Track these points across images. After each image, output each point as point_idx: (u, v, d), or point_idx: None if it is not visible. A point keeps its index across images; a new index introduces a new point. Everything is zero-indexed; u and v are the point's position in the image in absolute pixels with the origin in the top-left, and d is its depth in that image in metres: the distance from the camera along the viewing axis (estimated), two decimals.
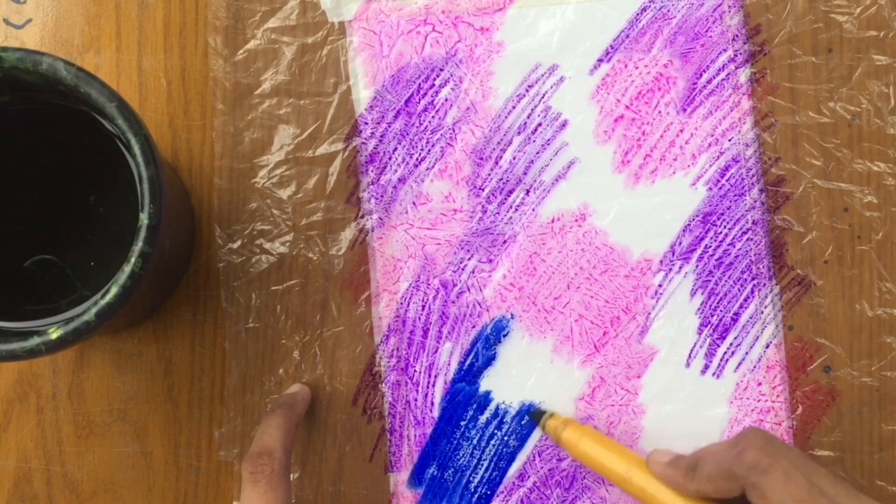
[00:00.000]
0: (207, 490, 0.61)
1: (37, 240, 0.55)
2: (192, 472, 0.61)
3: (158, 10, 0.62)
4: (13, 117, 0.54)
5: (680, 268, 0.60)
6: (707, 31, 0.61)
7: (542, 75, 0.61)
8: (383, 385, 0.61)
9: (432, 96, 0.61)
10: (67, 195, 0.55)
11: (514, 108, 0.61)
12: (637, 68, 0.61)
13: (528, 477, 0.60)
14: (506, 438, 0.60)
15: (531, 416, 0.60)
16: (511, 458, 0.60)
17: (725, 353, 0.60)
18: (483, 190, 0.61)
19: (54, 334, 0.47)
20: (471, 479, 0.60)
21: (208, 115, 0.61)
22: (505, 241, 0.61)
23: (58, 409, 0.61)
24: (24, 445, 0.61)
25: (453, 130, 0.61)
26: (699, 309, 0.60)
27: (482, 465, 0.60)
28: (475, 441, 0.60)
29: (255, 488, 0.51)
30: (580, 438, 0.57)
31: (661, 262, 0.60)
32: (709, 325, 0.60)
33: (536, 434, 0.60)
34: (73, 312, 0.53)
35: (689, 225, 0.60)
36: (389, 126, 0.61)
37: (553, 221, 0.61)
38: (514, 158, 0.61)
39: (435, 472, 0.60)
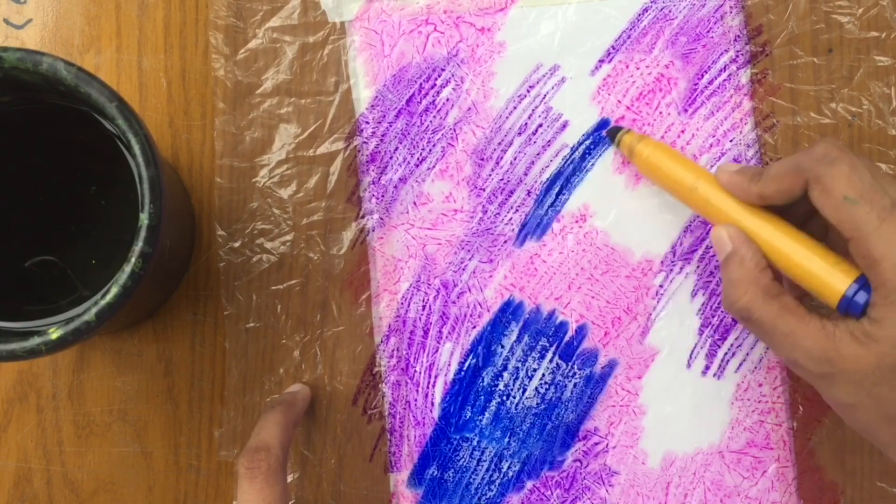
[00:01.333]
0: (207, 490, 0.60)
1: (37, 240, 0.55)
2: (192, 472, 0.60)
3: (158, 10, 0.61)
4: (13, 117, 0.53)
5: (681, 268, 0.60)
6: (708, 31, 0.60)
7: (544, 76, 0.61)
8: (383, 385, 0.60)
9: (433, 96, 0.61)
10: (67, 195, 0.55)
11: (515, 108, 0.61)
12: (638, 69, 0.61)
13: (529, 478, 0.60)
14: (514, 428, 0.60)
15: (607, 133, 0.60)
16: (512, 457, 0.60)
17: (726, 353, 0.60)
18: (484, 190, 0.60)
19: (54, 334, 0.46)
20: (471, 479, 0.60)
21: (208, 115, 0.61)
22: (505, 242, 0.60)
23: (58, 409, 0.60)
24: (24, 445, 0.60)
25: (454, 130, 0.61)
26: (700, 310, 0.60)
27: (482, 465, 0.60)
28: (475, 442, 0.60)
29: (252, 484, 0.51)
30: (653, 151, 0.57)
31: (662, 262, 0.60)
32: (710, 326, 0.60)
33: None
34: (73, 312, 0.53)
35: (690, 225, 0.60)
36: (390, 126, 0.61)
37: (554, 222, 0.60)
38: (515, 159, 0.60)
39: (435, 473, 0.60)
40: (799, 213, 0.53)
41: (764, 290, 0.51)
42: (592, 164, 0.60)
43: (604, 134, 0.60)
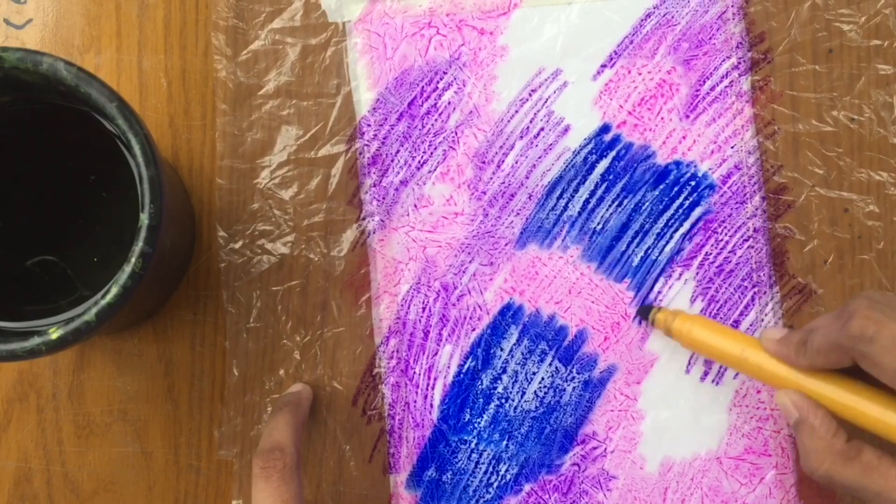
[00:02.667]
0: (207, 490, 0.60)
1: (37, 240, 0.54)
2: (192, 472, 0.60)
3: (159, 10, 0.61)
4: (13, 117, 0.53)
5: (680, 274, 0.60)
6: (711, 38, 0.60)
7: (546, 80, 0.60)
8: (383, 386, 0.60)
9: (435, 99, 0.60)
10: (67, 195, 0.55)
11: (516, 112, 0.60)
12: (640, 74, 0.60)
13: (527, 481, 0.59)
14: (506, 444, 0.60)
15: (639, 311, 0.59)
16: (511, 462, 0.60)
17: None
18: (485, 193, 0.60)
19: (54, 334, 0.46)
20: (469, 482, 0.59)
21: (209, 115, 0.60)
22: (506, 245, 0.60)
23: (58, 409, 0.60)
24: (25, 445, 0.60)
25: (456, 134, 0.60)
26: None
27: (480, 468, 0.59)
28: (473, 444, 0.60)
29: (268, 483, 0.50)
30: (692, 327, 0.56)
31: (662, 268, 0.60)
32: None
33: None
34: (73, 312, 0.52)
35: (690, 231, 0.60)
36: (392, 128, 0.60)
37: (554, 226, 0.60)
38: (517, 163, 0.60)
39: (433, 475, 0.60)
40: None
41: (841, 455, 0.50)
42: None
43: (635, 314, 0.60)
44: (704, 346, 0.56)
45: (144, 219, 0.47)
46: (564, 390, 0.60)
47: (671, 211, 0.60)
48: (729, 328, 0.56)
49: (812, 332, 0.51)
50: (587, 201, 0.60)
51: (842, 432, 0.51)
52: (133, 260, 0.47)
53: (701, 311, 0.59)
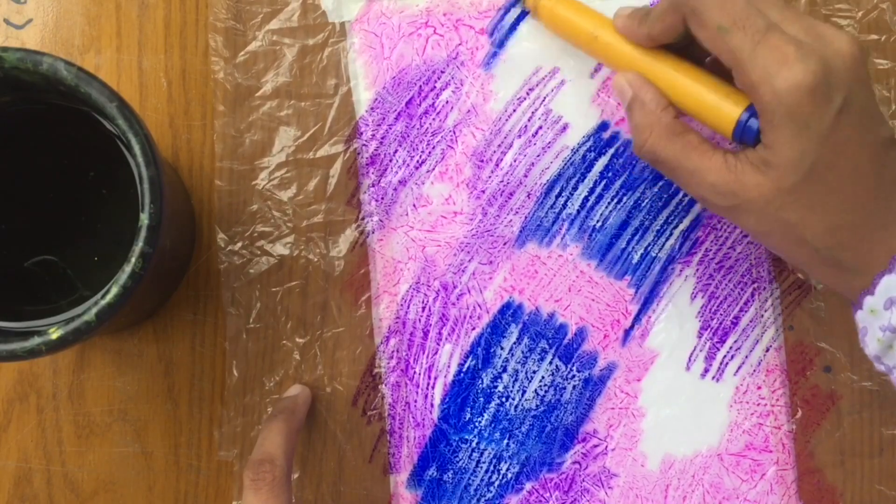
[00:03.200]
0: (207, 490, 0.60)
1: (37, 240, 0.54)
2: (192, 472, 0.60)
3: (159, 11, 0.61)
4: (13, 117, 0.53)
5: (681, 271, 0.60)
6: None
7: (543, 78, 0.61)
8: (383, 386, 0.60)
9: (433, 99, 0.61)
10: (67, 195, 0.55)
11: (514, 110, 0.61)
12: None
13: (528, 479, 0.60)
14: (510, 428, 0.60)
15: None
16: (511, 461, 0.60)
17: (725, 356, 0.60)
18: (484, 192, 0.60)
19: (55, 334, 0.46)
20: (470, 481, 0.60)
21: (208, 116, 0.61)
22: (505, 244, 0.60)
23: (58, 409, 0.60)
24: (25, 445, 0.60)
25: (454, 133, 0.61)
26: (699, 312, 0.60)
27: (481, 467, 0.60)
28: (474, 443, 0.60)
29: (258, 495, 0.51)
30: (556, 3, 0.57)
31: (662, 265, 0.60)
32: (709, 329, 0.60)
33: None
34: (73, 312, 0.53)
35: (689, 228, 0.60)
36: (390, 128, 0.61)
37: (553, 225, 0.60)
38: (515, 161, 0.60)
39: (434, 474, 0.60)
40: (699, 49, 0.52)
41: (667, 128, 0.51)
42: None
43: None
44: (563, 23, 0.57)
45: (144, 219, 0.47)
46: (565, 388, 0.60)
47: (670, 207, 0.60)
48: (592, 10, 0.57)
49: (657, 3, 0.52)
50: (586, 199, 0.60)
51: (671, 108, 0.52)
52: (133, 260, 0.47)
53: (701, 307, 0.60)
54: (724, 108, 0.50)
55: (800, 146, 0.46)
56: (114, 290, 0.47)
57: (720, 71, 0.51)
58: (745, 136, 0.50)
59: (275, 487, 0.51)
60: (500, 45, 0.61)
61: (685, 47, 0.52)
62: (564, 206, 0.60)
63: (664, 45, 0.53)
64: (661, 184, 0.60)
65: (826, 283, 0.52)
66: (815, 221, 0.48)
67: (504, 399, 0.60)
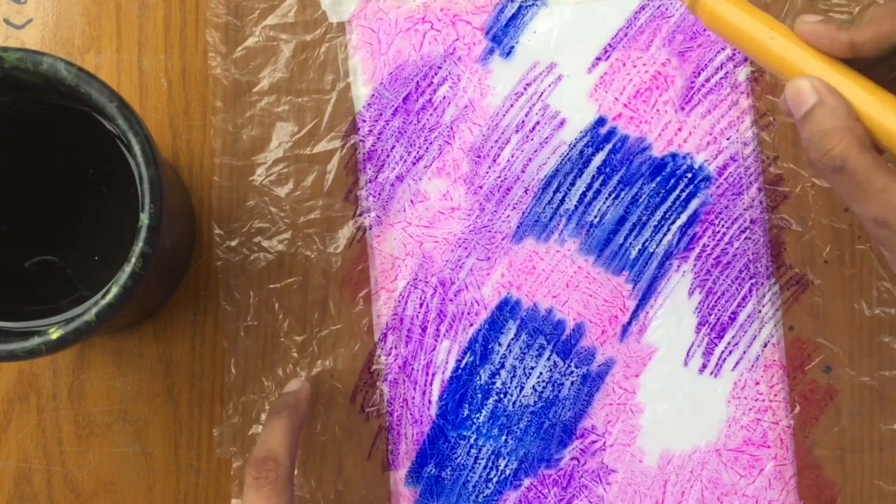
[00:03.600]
0: (207, 490, 0.60)
1: (37, 240, 0.54)
2: (192, 471, 0.60)
3: (159, 11, 0.61)
4: (13, 117, 0.53)
5: (678, 266, 0.60)
6: (705, 29, 0.60)
7: (540, 74, 0.61)
8: (381, 383, 0.60)
9: (430, 94, 0.61)
10: (67, 195, 0.55)
11: (512, 106, 0.61)
12: (635, 67, 0.61)
13: (526, 476, 0.60)
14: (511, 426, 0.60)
15: None
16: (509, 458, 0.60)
17: (723, 351, 0.60)
18: (481, 188, 0.60)
19: (55, 334, 0.46)
20: (468, 477, 0.60)
21: (209, 115, 0.61)
22: (503, 239, 0.60)
23: (58, 409, 0.60)
24: (25, 445, 0.60)
25: (451, 128, 0.61)
26: (697, 308, 0.60)
27: (480, 463, 0.60)
28: (472, 440, 0.60)
29: (260, 493, 0.51)
30: (716, 3, 0.49)
31: (660, 260, 0.60)
32: (707, 324, 0.60)
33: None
34: (73, 312, 0.53)
35: (687, 223, 0.60)
36: (387, 124, 0.61)
37: (551, 220, 0.60)
38: (512, 157, 0.60)
39: (433, 471, 0.60)
40: (884, 73, 0.48)
41: (860, 139, 0.46)
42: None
43: None
44: (728, 24, 0.49)
45: (144, 219, 0.47)
46: (563, 384, 0.60)
47: (668, 203, 0.60)
48: (762, 12, 0.49)
49: (866, 9, 0.47)
50: (584, 194, 0.60)
51: (861, 122, 0.46)
52: (133, 260, 0.47)
53: (699, 302, 0.60)
54: None
55: None
56: (114, 290, 0.47)
57: None
58: None
59: (277, 486, 0.51)
60: (497, 40, 0.61)
61: (868, 66, 0.48)
62: (562, 201, 0.60)
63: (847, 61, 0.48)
64: (658, 179, 0.60)
65: None
66: None
67: (502, 395, 0.60)
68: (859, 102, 0.46)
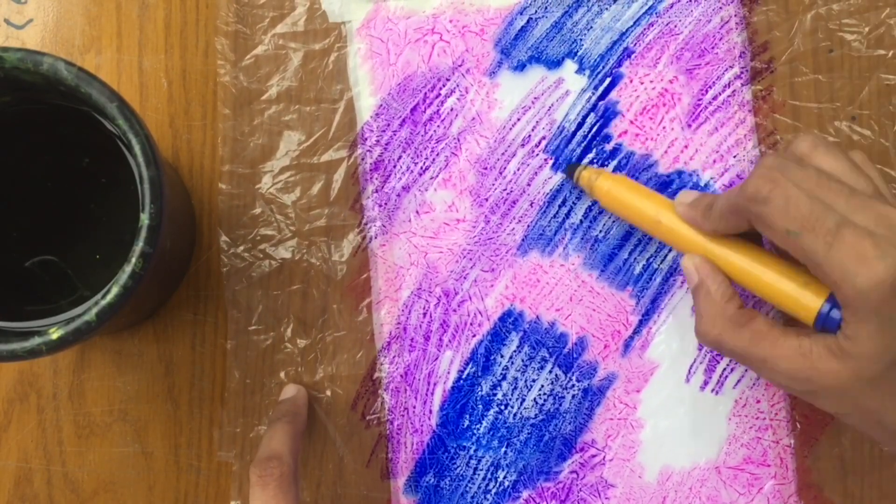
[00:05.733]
0: (208, 490, 0.59)
1: (37, 240, 0.54)
2: (192, 472, 0.59)
3: (159, 11, 0.60)
4: (14, 117, 0.52)
5: (682, 283, 0.59)
6: (713, 47, 0.59)
7: (548, 88, 0.59)
8: (383, 391, 0.59)
9: (438, 105, 0.59)
10: (68, 195, 0.54)
11: (519, 119, 0.59)
12: (643, 83, 0.59)
13: (525, 488, 0.58)
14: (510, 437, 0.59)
15: (566, 169, 0.58)
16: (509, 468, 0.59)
17: (725, 369, 0.58)
18: (487, 200, 0.59)
19: (55, 334, 0.45)
20: (467, 488, 0.58)
21: (209, 116, 0.60)
22: (508, 252, 0.59)
23: (58, 409, 0.59)
24: (25, 445, 0.59)
25: (458, 140, 0.59)
26: None
27: (479, 474, 0.58)
28: (472, 451, 0.58)
29: (265, 491, 0.50)
30: (612, 185, 0.55)
31: (664, 277, 0.59)
32: None
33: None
34: (73, 312, 0.52)
35: None
36: (395, 134, 0.59)
37: (556, 234, 0.59)
38: (518, 170, 0.59)
39: (431, 480, 0.59)
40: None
41: (732, 320, 0.50)
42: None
43: (563, 171, 0.59)
44: (621, 206, 0.55)
45: (145, 219, 0.46)
46: (564, 398, 0.59)
47: None
48: (649, 190, 0.55)
49: (719, 196, 0.51)
50: (589, 209, 0.59)
51: (736, 298, 0.51)
52: (133, 260, 0.46)
53: None
54: (803, 300, 0.48)
55: (883, 340, 0.44)
56: (114, 290, 0.46)
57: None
58: (828, 325, 0.47)
59: (283, 483, 0.50)
60: (507, 52, 0.59)
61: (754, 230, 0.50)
62: (567, 215, 0.59)
63: None
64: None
65: None
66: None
67: (503, 407, 0.59)
68: (740, 270, 0.51)
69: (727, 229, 0.50)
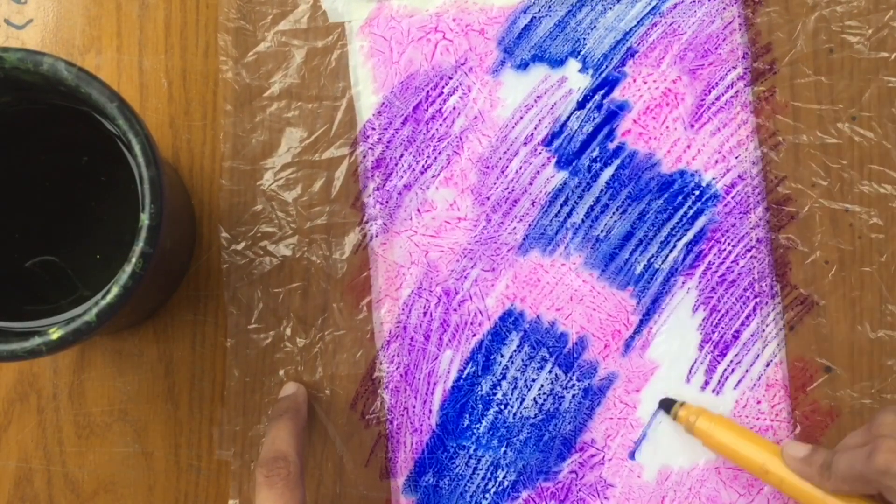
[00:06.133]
0: (208, 490, 0.59)
1: (38, 240, 0.53)
2: (192, 472, 0.59)
3: (159, 11, 0.59)
4: (14, 117, 0.52)
5: (683, 283, 0.58)
6: (717, 48, 0.58)
7: (551, 87, 0.59)
8: (383, 390, 0.59)
9: (440, 104, 0.59)
10: (68, 195, 0.54)
11: (521, 118, 0.59)
12: (646, 83, 0.59)
13: (524, 488, 0.58)
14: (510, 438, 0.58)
15: (661, 404, 0.58)
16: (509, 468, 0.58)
17: (725, 370, 0.58)
18: (488, 199, 0.59)
19: (55, 334, 0.45)
20: (466, 488, 0.58)
21: (209, 116, 0.59)
22: (509, 251, 0.58)
23: (58, 410, 0.59)
24: (25, 445, 0.59)
25: (460, 139, 0.59)
26: (701, 325, 0.58)
27: (478, 474, 0.58)
28: (471, 450, 0.58)
29: (272, 490, 0.49)
30: (714, 428, 0.55)
31: (665, 277, 0.58)
32: (710, 342, 0.58)
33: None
34: (73, 312, 0.51)
35: (693, 241, 0.58)
36: (396, 132, 0.59)
37: (557, 233, 0.58)
38: (520, 169, 0.59)
39: (431, 480, 0.58)
40: None
41: None
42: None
43: (658, 406, 0.58)
44: (726, 449, 0.55)
45: (145, 219, 0.46)
46: (564, 397, 0.58)
47: (675, 220, 0.58)
48: (751, 433, 0.55)
49: (836, 456, 0.50)
50: (591, 209, 0.59)
51: None
52: (133, 260, 0.46)
53: (703, 320, 0.58)
54: None
55: None
56: (114, 290, 0.45)
57: None
58: None
59: (290, 482, 0.50)
60: (509, 51, 0.59)
61: None
62: (569, 215, 0.59)
63: None
64: (666, 195, 0.58)
65: None
66: None
67: (503, 406, 0.58)
68: None
69: (852, 492, 0.50)
